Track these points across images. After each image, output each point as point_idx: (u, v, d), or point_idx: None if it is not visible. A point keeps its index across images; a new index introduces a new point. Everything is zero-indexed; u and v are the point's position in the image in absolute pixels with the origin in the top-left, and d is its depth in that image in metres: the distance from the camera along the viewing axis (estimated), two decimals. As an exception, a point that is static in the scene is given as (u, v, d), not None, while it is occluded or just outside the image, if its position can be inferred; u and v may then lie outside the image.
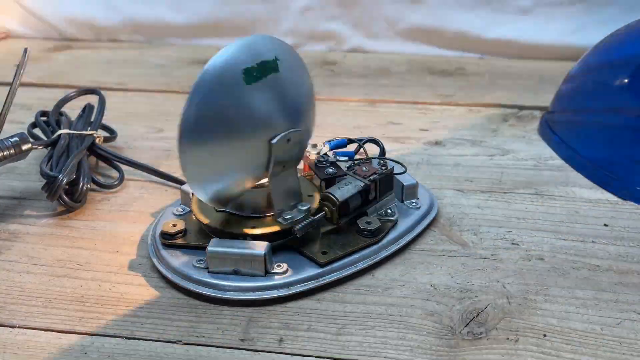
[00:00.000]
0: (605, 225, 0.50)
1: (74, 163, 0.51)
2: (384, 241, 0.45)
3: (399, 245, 0.46)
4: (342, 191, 0.45)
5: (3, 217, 0.52)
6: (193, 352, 0.37)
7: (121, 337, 0.38)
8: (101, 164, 0.59)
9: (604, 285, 0.43)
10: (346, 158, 0.51)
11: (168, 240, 0.45)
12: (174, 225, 0.45)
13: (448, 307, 0.41)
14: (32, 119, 0.61)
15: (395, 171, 0.49)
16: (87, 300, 0.42)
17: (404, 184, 0.50)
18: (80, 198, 0.52)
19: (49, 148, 0.55)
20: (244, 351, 0.37)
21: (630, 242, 0.47)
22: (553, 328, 0.39)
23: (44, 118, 0.61)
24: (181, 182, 0.52)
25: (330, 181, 0.47)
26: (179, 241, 0.45)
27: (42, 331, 0.39)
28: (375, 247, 0.45)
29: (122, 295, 0.42)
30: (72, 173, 0.51)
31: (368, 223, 0.45)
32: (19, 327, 0.39)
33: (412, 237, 0.47)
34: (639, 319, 0.40)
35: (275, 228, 0.43)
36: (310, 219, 0.43)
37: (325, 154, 0.50)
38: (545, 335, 0.38)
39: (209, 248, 0.42)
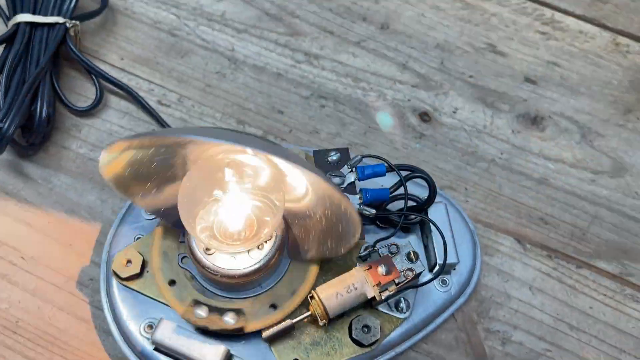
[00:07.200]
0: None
1: (26, 100, 0.39)
2: (377, 349, 0.36)
3: (393, 353, 0.37)
4: (337, 303, 0.34)
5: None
6: None
7: (45, 411, 0.35)
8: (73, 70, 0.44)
9: None
10: (373, 211, 0.36)
11: (120, 280, 0.36)
12: (128, 262, 0.36)
13: None
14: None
15: (437, 255, 0.36)
16: (21, 331, 0.37)
17: (439, 261, 0.37)
18: (37, 141, 0.41)
19: (4, 47, 0.41)
20: None
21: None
22: None
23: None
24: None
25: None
26: (132, 286, 0.36)
27: (-34, 371, 0.36)
28: (362, 355, 0.36)
29: (58, 336, 0.37)
30: (24, 115, 0.39)
31: (365, 330, 0.35)
32: (-58, 357, 0.36)
33: (418, 339, 0.37)
34: None
35: (241, 325, 0.34)
36: (284, 325, 0.34)
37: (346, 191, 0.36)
38: None
39: (155, 337, 0.34)
